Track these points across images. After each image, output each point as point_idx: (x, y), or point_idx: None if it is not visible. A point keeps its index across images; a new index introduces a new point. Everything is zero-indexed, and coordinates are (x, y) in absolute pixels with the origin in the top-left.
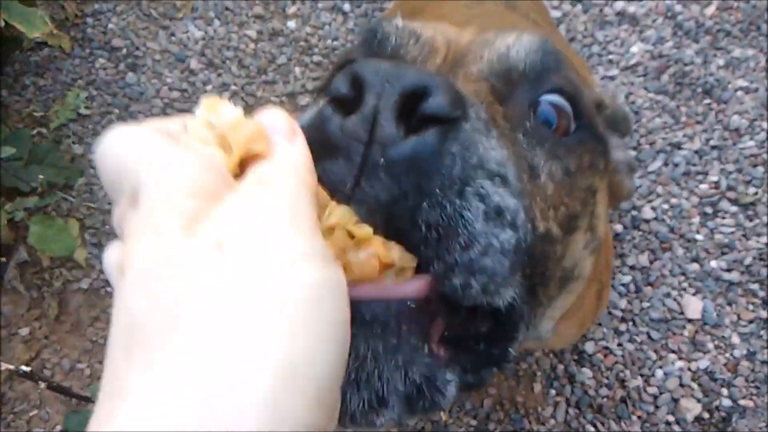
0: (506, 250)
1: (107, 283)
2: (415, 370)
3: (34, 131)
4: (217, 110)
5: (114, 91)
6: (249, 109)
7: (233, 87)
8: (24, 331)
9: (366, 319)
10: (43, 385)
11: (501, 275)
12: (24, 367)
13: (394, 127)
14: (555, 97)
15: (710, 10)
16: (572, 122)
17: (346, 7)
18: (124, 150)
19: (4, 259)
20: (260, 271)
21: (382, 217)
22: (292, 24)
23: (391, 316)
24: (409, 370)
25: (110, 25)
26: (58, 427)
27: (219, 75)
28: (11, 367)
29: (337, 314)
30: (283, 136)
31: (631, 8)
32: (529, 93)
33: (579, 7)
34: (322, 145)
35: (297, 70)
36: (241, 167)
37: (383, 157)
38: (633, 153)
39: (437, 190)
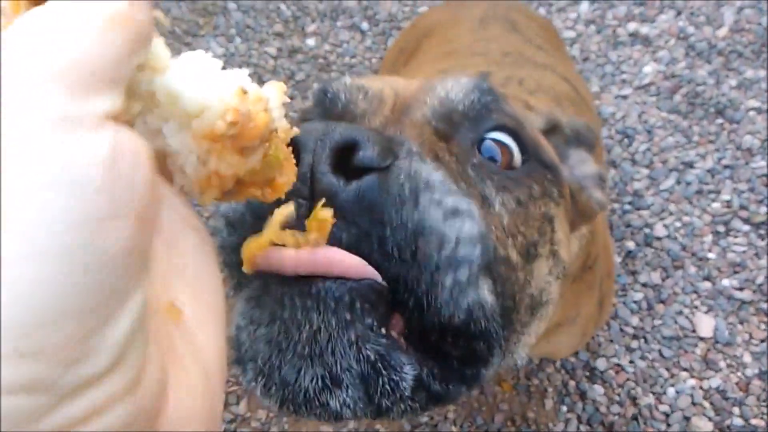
0: (473, 237)
1: None
2: (368, 347)
3: None
4: None
5: None
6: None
7: None
8: None
9: (319, 293)
10: None
11: (478, 262)
12: None
13: (332, 177)
14: (497, 134)
15: (722, 31)
16: (518, 155)
17: (364, 26)
18: None
19: None
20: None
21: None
22: (311, 42)
23: (345, 291)
24: (363, 347)
25: None
26: None
27: None
28: None
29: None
30: None
31: (644, 29)
32: (471, 132)
33: (592, 27)
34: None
35: (315, 86)
36: None
37: (332, 206)
38: (645, 171)
39: (393, 213)
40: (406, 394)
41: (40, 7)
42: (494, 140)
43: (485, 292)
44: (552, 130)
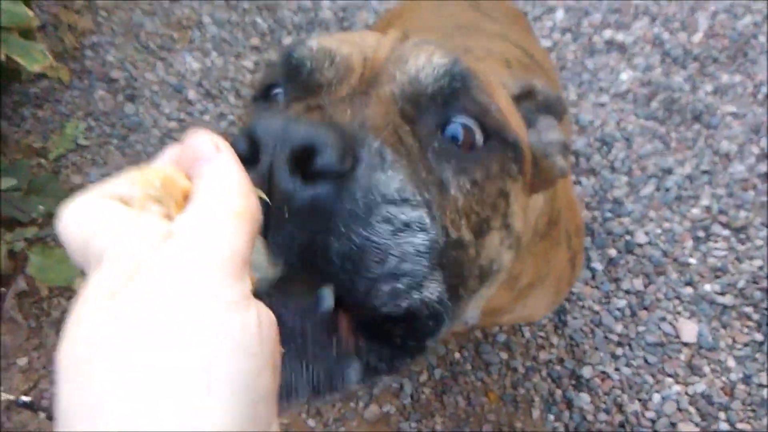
0: (421, 251)
1: None
2: (321, 367)
3: (33, 162)
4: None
5: (112, 122)
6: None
7: (230, 116)
8: (22, 361)
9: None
10: (42, 415)
11: (421, 273)
12: (24, 398)
13: (289, 180)
14: (462, 118)
15: (697, 37)
16: (479, 137)
17: None
18: (88, 223)
19: (3, 289)
20: (182, 330)
21: (296, 259)
22: None
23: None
24: (317, 368)
25: (109, 57)
26: None
27: (216, 105)
28: (11, 397)
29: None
30: (204, 161)
31: (620, 37)
32: (437, 115)
33: (569, 36)
34: None
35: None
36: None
37: (287, 207)
38: (625, 179)
39: (341, 226)
40: (356, 380)
41: (194, 207)
42: (458, 123)
43: (428, 292)
44: (526, 95)
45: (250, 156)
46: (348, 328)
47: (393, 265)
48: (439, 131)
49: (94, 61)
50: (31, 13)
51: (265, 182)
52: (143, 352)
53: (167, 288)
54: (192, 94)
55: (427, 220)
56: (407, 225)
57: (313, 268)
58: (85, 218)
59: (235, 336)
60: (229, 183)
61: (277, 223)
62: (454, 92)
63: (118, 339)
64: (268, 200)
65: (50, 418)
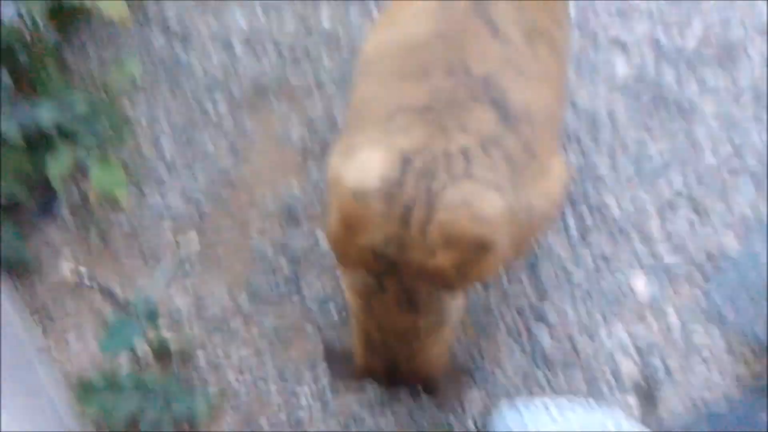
0: None
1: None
2: None
3: (96, 96)
4: None
5: (167, 67)
6: (283, 94)
7: (270, 73)
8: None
9: None
10: (94, 285)
11: None
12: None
13: None
14: None
15: (691, 42)
16: None
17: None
18: None
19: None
20: None
21: None
22: (326, 23)
23: None
24: None
25: (169, 12)
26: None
27: (259, 61)
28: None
29: None
30: None
31: (623, 36)
32: None
33: (576, 31)
34: None
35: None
36: None
37: None
38: (608, 160)
39: None
40: None
41: None
42: None
43: None
44: None
45: None
46: None
47: None
48: None
49: (155, 10)
50: None
51: None
52: None
53: None
54: (239, 49)
55: None
56: None
57: None
58: None
59: None
60: None
61: None
62: None
63: None
64: None
65: (101, 290)
